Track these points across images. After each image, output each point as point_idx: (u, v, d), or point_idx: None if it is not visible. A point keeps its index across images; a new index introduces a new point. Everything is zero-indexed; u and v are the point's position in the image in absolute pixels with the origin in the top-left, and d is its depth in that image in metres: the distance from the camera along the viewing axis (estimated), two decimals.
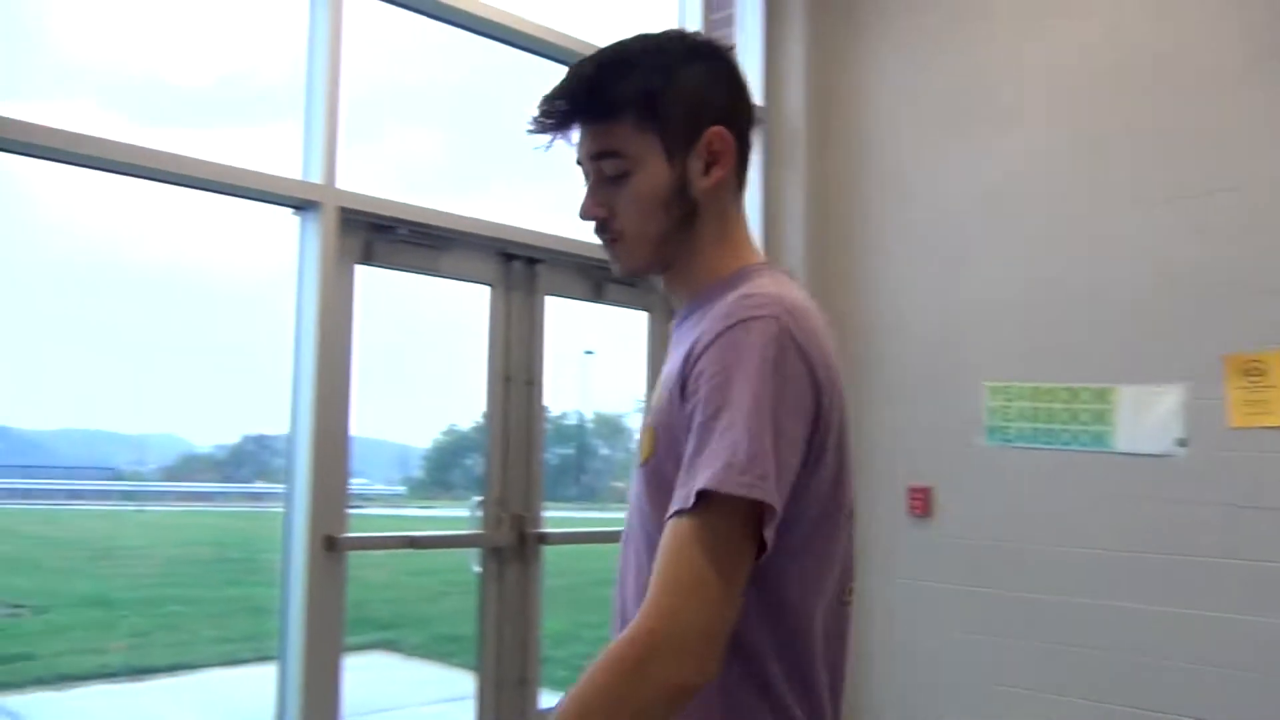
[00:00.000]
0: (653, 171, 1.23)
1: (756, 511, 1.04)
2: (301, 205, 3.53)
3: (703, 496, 1.04)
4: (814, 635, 1.19)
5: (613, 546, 1.44)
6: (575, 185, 1.37)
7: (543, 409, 4.10)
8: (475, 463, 4.23)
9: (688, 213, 1.25)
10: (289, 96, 3.61)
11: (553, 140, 1.27)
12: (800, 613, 1.17)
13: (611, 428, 8.26)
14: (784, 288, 1.21)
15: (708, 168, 1.25)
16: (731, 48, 1.34)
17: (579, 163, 1.30)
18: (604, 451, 8.60)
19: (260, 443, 11.68)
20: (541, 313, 4.13)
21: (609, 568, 1.42)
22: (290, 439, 3.53)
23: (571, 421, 7.85)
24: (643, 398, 4.69)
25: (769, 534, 1.06)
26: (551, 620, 4.25)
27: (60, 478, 12.25)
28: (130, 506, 12.66)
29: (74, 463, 11.89)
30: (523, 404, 4.01)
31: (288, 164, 3.54)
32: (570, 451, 8.06)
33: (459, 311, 4.18)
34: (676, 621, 1.01)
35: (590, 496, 8.18)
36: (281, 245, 3.59)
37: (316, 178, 3.51)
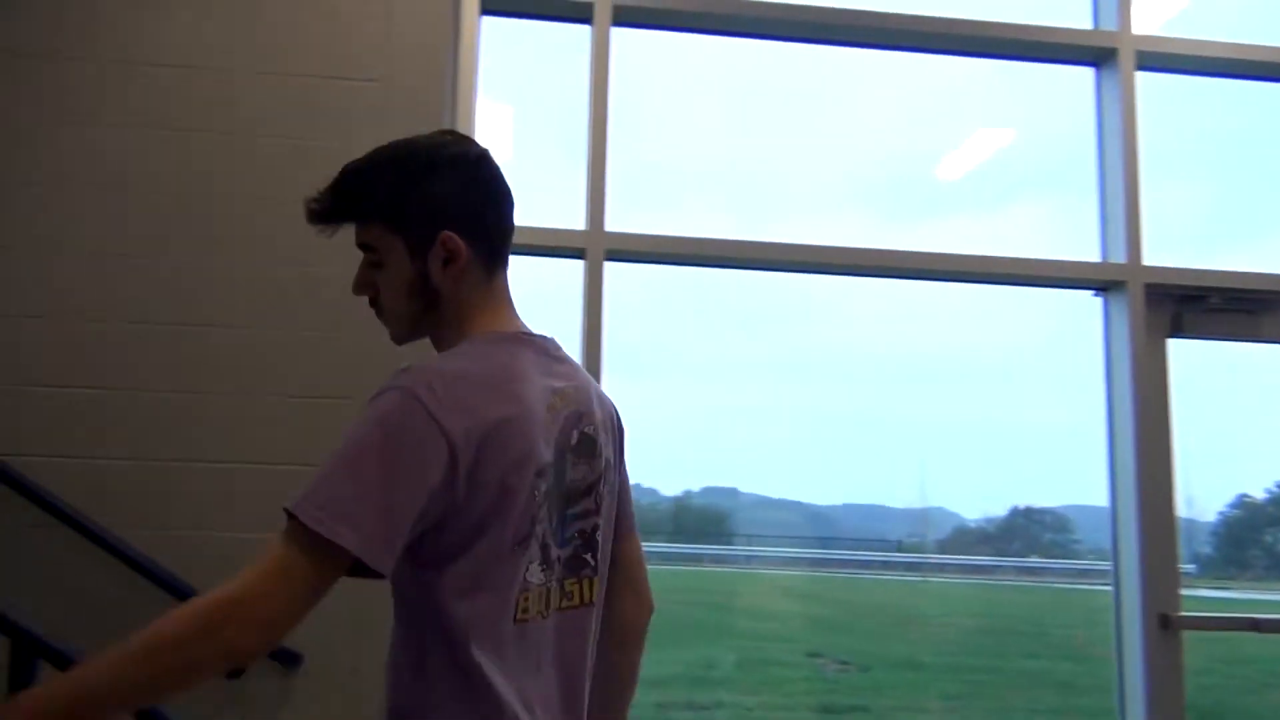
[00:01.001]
0: (399, 266, 1.41)
1: (324, 540, 1.18)
2: (1105, 286, 3.60)
3: (292, 513, 1.20)
4: (487, 653, 1.29)
5: None
6: None
7: None
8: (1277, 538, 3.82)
9: (431, 298, 1.41)
10: (1041, 174, 3.70)
11: (328, 230, 1.46)
12: (470, 631, 1.29)
13: None
14: (463, 360, 1.35)
15: (445, 264, 1.40)
16: (480, 156, 1.45)
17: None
18: None
19: (1029, 515, 11.85)
20: None
21: None
22: (1112, 515, 3.57)
23: None
24: None
25: (381, 560, 1.21)
26: None
27: (848, 548, 13.67)
28: (913, 577, 13.67)
29: (859, 535, 13.21)
30: None
31: (1082, 246, 3.65)
32: None
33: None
34: (257, 600, 1.16)
35: None
36: (1042, 322, 3.68)
37: (1120, 257, 3.56)
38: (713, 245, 3.54)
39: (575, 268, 3.44)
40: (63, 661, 2.07)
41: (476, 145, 1.49)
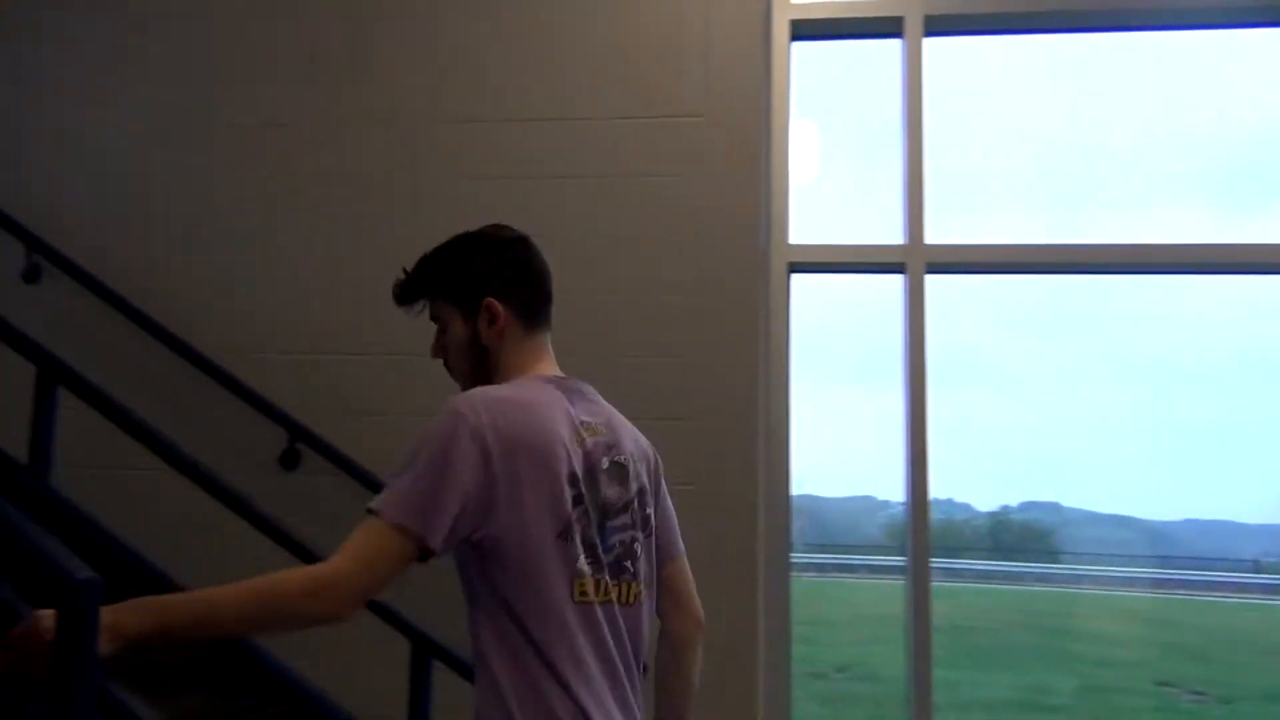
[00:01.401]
0: (456, 329, 1.76)
1: (403, 529, 1.47)
2: None
3: (374, 510, 1.49)
4: (546, 629, 1.53)
5: None
6: None
7: None
8: None
9: (481, 354, 1.75)
10: None
11: (410, 309, 1.82)
12: (527, 614, 1.53)
13: None
14: (505, 390, 1.66)
15: (490, 324, 1.73)
16: (515, 239, 1.80)
17: None
18: None
19: None
20: None
21: None
22: None
23: None
24: None
25: (435, 542, 1.48)
26: None
27: (1191, 567, 12.52)
28: (1276, 600, 12.29)
29: (1204, 553, 12.06)
30: None
31: None
32: None
33: None
34: (350, 578, 1.44)
35: None
36: None
37: None
38: (1036, 251, 3.42)
39: (890, 281, 3.44)
40: (454, 662, 2.33)
41: (514, 232, 1.83)
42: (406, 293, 1.80)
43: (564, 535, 1.55)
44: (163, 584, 2.85)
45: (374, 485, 3.32)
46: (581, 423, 1.66)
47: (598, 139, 3.46)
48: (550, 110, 3.51)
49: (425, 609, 2.97)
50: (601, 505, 1.63)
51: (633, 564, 1.67)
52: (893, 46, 3.55)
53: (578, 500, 1.58)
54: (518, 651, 1.52)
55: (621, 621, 1.63)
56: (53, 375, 2.77)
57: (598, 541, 1.61)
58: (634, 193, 3.41)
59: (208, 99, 3.73)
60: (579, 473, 1.60)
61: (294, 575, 1.45)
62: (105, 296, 3.56)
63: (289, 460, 3.44)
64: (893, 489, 3.40)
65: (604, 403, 1.80)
